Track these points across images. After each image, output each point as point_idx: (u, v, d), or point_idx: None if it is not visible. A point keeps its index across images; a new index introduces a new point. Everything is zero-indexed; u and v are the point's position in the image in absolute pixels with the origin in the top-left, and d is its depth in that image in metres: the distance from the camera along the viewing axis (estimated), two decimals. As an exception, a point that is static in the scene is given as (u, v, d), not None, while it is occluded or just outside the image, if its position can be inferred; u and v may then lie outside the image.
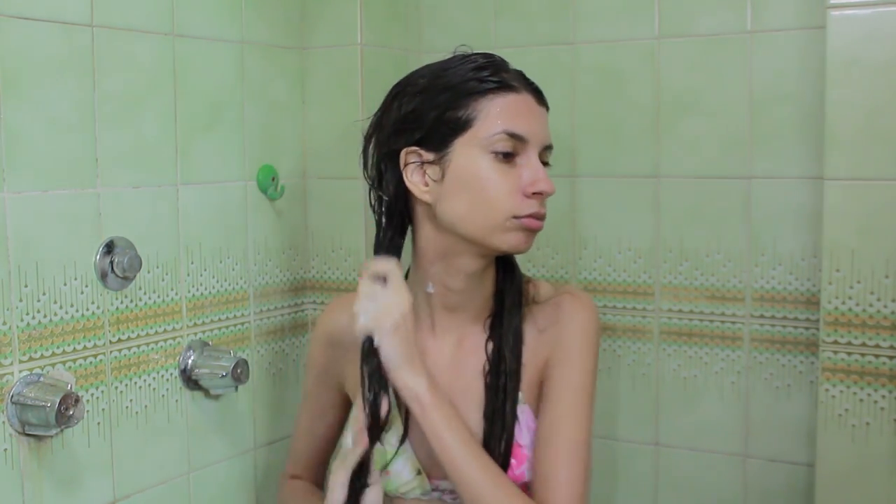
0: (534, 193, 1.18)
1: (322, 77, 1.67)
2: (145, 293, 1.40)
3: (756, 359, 1.55)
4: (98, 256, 1.32)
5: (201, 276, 1.50)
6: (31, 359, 1.24)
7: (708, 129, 1.54)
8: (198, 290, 1.49)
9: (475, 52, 1.23)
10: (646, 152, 1.59)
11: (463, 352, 1.27)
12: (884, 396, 1.36)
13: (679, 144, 1.57)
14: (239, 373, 1.46)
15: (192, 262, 1.48)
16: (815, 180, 1.45)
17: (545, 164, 1.22)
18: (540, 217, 1.20)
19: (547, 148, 1.23)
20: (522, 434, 1.23)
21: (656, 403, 1.63)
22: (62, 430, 1.24)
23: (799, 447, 1.52)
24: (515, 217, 1.18)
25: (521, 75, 1.22)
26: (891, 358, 1.36)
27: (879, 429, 1.37)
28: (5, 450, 1.21)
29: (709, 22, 1.53)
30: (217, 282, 1.53)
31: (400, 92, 1.23)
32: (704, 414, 1.59)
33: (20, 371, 1.23)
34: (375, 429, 1.21)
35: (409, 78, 1.25)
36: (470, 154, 1.17)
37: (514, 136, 1.17)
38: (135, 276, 1.36)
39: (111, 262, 1.33)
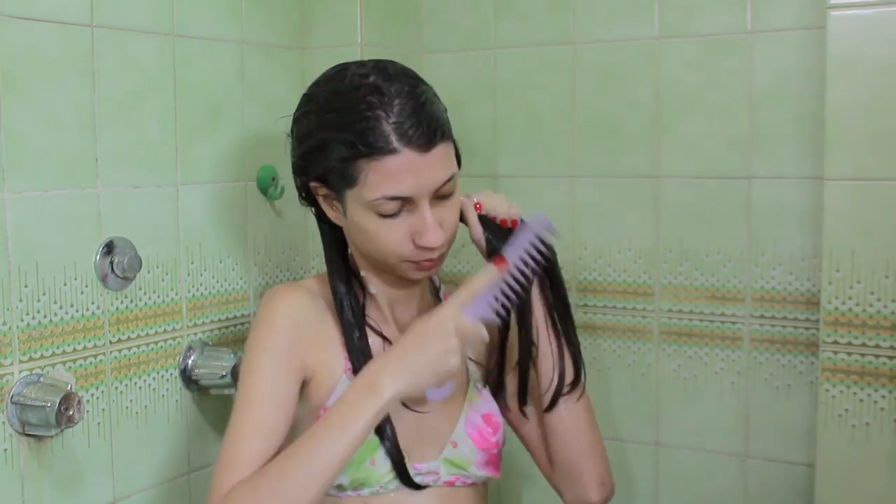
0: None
1: (322, 77, 1.67)
2: (145, 293, 1.40)
3: (756, 359, 1.55)
4: (98, 256, 1.32)
5: (201, 276, 1.50)
6: (31, 359, 1.24)
7: (708, 129, 1.54)
8: (198, 290, 1.49)
9: (364, 75, 1.16)
10: (646, 152, 1.59)
11: None
12: (884, 396, 1.36)
13: (679, 144, 1.57)
14: (239, 373, 1.46)
15: (192, 262, 1.48)
16: (815, 180, 1.44)
17: (445, 196, 1.18)
18: (432, 260, 1.20)
19: (445, 183, 1.17)
20: (490, 404, 1.31)
21: (656, 403, 1.63)
22: (62, 431, 1.24)
23: (799, 447, 1.52)
24: (407, 260, 1.19)
25: (399, 126, 1.12)
26: (891, 358, 1.36)
27: (879, 429, 1.37)
28: (5, 450, 1.21)
29: (709, 22, 1.53)
30: (217, 282, 1.53)
31: (301, 116, 1.22)
32: (704, 414, 1.59)
33: (20, 371, 1.23)
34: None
35: (309, 100, 1.22)
36: (357, 208, 1.17)
37: (395, 199, 1.15)
38: (135, 276, 1.36)
39: (111, 263, 1.33)
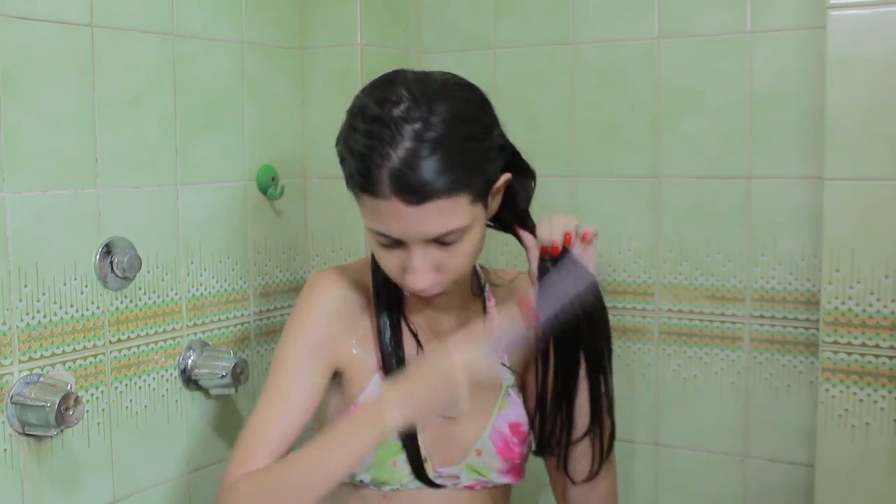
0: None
1: (322, 77, 1.67)
2: (145, 293, 1.40)
3: (756, 359, 1.55)
4: (98, 257, 1.32)
5: (201, 276, 1.50)
6: (31, 359, 1.24)
7: (708, 129, 1.54)
8: (198, 290, 1.49)
9: (396, 102, 1.12)
10: (646, 152, 1.59)
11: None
12: (884, 396, 1.36)
13: (679, 144, 1.57)
14: (239, 373, 1.46)
15: (192, 262, 1.48)
16: (815, 180, 1.44)
17: (447, 243, 1.14)
18: (426, 293, 1.17)
19: (441, 236, 1.13)
20: (519, 413, 1.29)
21: (656, 403, 1.63)
22: (62, 430, 1.24)
23: (799, 447, 1.52)
24: (404, 285, 1.19)
25: (396, 175, 1.09)
26: (891, 358, 1.36)
27: (879, 429, 1.37)
28: (5, 450, 1.21)
29: (709, 22, 1.53)
30: (217, 282, 1.53)
31: (347, 111, 1.20)
32: (704, 414, 1.59)
33: (20, 371, 1.23)
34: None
35: (354, 100, 1.19)
36: (365, 224, 1.18)
37: (384, 235, 1.15)
38: (135, 276, 1.36)
39: (111, 263, 1.33)
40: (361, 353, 1.25)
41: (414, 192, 1.09)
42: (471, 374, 1.11)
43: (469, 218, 1.14)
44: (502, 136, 1.20)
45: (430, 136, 1.10)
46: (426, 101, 1.12)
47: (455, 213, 1.12)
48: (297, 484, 1.12)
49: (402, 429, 1.14)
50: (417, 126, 1.10)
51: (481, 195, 1.16)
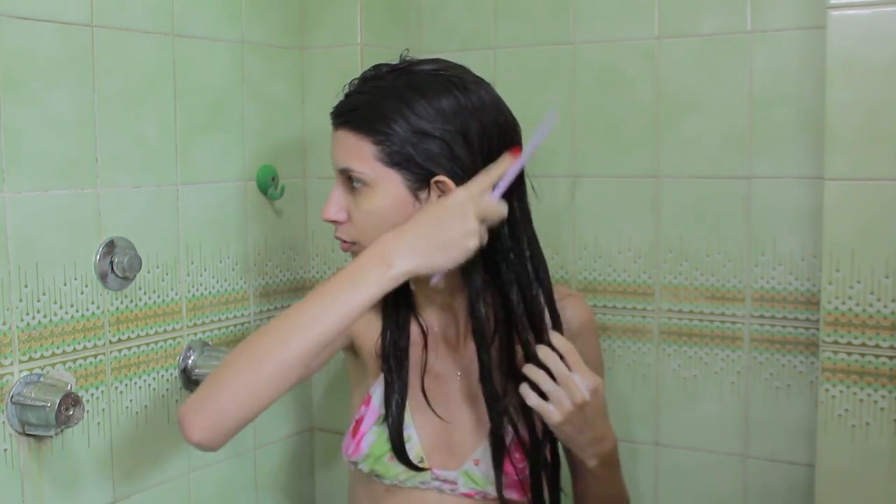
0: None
1: (322, 77, 1.67)
2: (145, 293, 1.40)
3: (756, 359, 1.55)
4: (98, 256, 1.32)
5: (201, 276, 1.50)
6: (31, 359, 1.24)
7: (708, 129, 1.54)
8: (198, 290, 1.49)
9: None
10: (646, 152, 1.59)
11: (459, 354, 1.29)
12: (884, 396, 1.36)
13: (679, 144, 1.57)
14: (239, 373, 1.46)
15: (192, 262, 1.48)
16: (815, 180, 1.44)
17: (355, 187, 1.18)
18: (342, 240, 1.22)
19: (343, 171, 1.19)
20: (526, 430, 1.26)
21: (656, 403, 1.63)
22: (62, 430, 1.24)
23: (799, 447, 1.52)
24: None
25: (342, 100, 1.20)
26: (891, 358, 1.36)
27: (879, 429, 1.37)
28: (5, 450, 1.21)
29: (709, 22, 1.53)
30: (217, 282, 1.53)
31: None
32: (704, 414, 1.59)
33: (20, 371, 1.23)
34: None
35: None
36: None
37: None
38: (135, 276, 1.36)
39: (111, 262, 1.33)
40: (372, 333, 1.27)
41: (336, 114, 1.20)
42: (479, 209, 1.09)
43: (371, 172, 1.16)
44: (469, 157, 1.15)
45: (374, 83, 1.18)
46: (403, 68, 1.19)
47: (356, 155, 1.17)
48: (294, 324, 1.07)
49: (408, 276, 1.09)
50: (382, 74, 1.19)
51: (399, 165, 1.15)
